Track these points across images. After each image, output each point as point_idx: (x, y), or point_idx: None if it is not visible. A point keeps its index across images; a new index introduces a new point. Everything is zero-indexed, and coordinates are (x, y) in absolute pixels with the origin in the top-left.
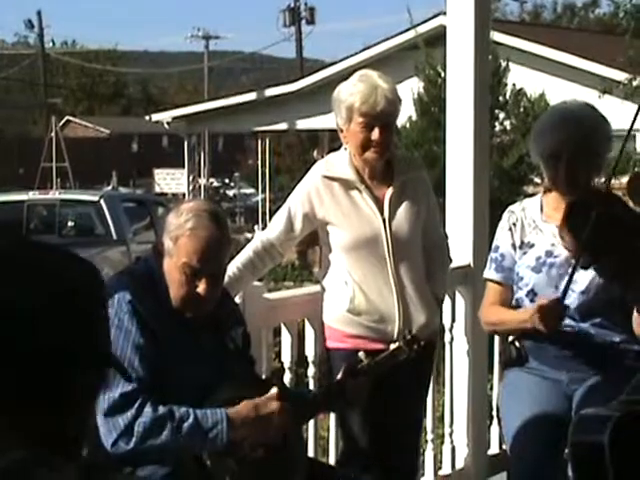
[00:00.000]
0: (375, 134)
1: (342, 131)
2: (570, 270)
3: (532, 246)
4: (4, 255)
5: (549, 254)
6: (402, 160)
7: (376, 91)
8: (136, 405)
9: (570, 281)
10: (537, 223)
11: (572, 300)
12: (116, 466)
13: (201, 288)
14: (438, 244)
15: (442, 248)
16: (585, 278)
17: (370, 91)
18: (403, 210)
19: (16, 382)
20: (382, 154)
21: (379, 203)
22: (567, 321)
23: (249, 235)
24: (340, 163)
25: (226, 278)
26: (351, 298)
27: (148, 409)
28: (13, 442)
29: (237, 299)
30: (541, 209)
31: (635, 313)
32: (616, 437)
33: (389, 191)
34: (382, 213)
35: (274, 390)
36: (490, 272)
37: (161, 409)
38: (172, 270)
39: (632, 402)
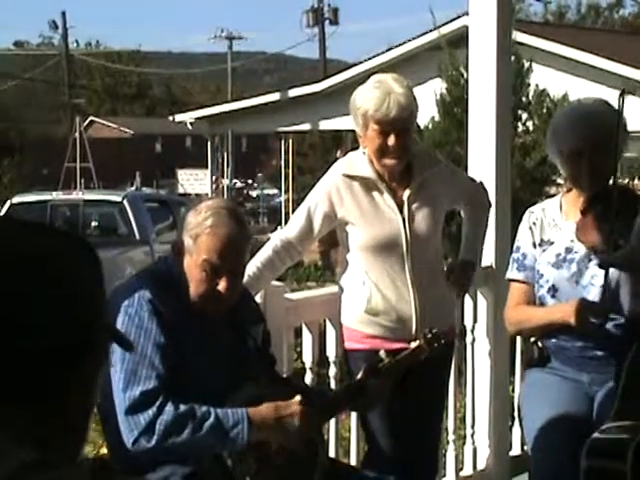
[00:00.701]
0: (391, 140)
1: (360, 136)
2: (603, 273)
3: (552, 243)
4: None
5: (569, 250)
6: (420, 157)
7: (389, 97)
8: (157, 403)
9: (606, 282)
10: (557, 221)
11: (593, 297)
12: (136, 465)
13: (221, 286)
14: (475, 190)
15: (479, 192)
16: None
17: (383, 98)
18: (422, 209)
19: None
20: (400, 159)
21: (398, 202)
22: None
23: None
24: (360, 162)
25: (245, 277)
26: (368, 298)
27: (170, 407)
28: (7, 445)
29: (257, 298)
30: (560, 208)
31: None
32: (637, 464)
33: (408, 190)
34: (401, 212)
35: (298, 397)
36: (513, 272)
37: (182, 407)
38: (192, 268)
39: None
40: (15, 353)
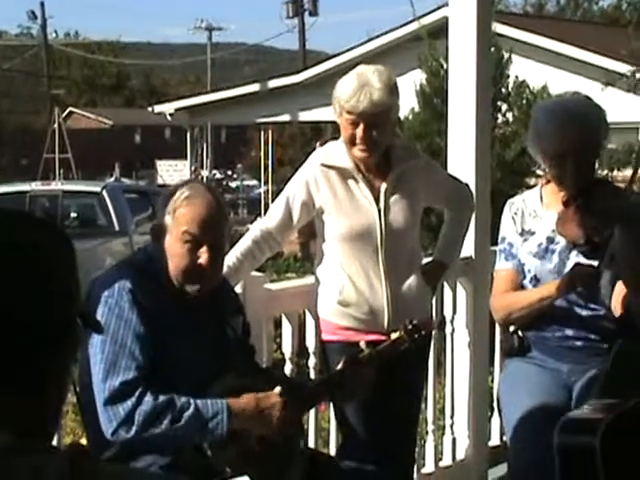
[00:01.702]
0: (359, 132)
1: (339, 125)
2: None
3: (533, 233)
4: None
5: (550, 240)
6: (400, 150)
7: (362, 90)
8: (137, 394)
9: (603, 260)
10: (537, 212)
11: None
12: (116, 455)
13: (203, 258)
14: (456, 192)
15: (461, 194)
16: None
17: (357, 89)
18: (399, 202)
19: None
20: (368, 152)
21: (375, 193)
22: (570, 310)
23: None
24: (338, 152)
25: (225, 267)
26: (340, 290)
27: (149, 398)
28: None
29: (237, 289)
30: (541, 199)
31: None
32: (608, 440)
33: (385, 182)
34: (377, 203)
35: (277, 389)
36: (501, 263)
37: (162, 398)
38: (173, 244)
39: (618, 405)
40: None
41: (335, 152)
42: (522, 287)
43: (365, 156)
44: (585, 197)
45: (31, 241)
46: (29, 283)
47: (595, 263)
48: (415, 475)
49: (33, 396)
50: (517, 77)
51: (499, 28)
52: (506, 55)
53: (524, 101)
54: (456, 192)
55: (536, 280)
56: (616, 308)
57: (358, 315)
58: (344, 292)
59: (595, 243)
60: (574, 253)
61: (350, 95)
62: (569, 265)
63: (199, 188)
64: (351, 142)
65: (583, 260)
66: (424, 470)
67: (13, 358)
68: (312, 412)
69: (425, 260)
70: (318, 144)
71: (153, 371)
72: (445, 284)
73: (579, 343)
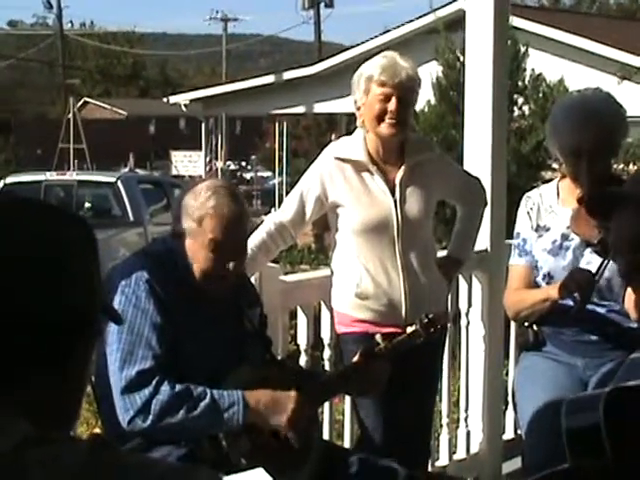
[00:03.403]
0: (392, 104)
1: (359, 108)
2: (601, 260)
3: (548, 229)
4: None
5: (565, 237)
6: (414, 142)
7: (396, 64)
8: (154, 383)
9: (603, 266)
10: (553, 207)
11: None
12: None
13: (230, 264)
14: (469, 187)
15: (474, 190)
16: (600, 261)
17: (391, 64)
18: (414, 192)
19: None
20: (397, 127)
21: (390, 185)
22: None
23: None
24: (352, 145)
25: None
26: (358, 282)
27: (165, 387)
28: (12, 418)
29: (252, 280)
30: (557, 194)
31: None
32: (610, 409)
33: (400, 173)
34: (393, 195)
35: (294, 393)
36: (515, 258)
37: (178, 387)
38: (197, 250)
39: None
40: (15, 330)
41: (349, 145)
42: (535, 284)
43: (393, 132)
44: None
45: (55, 230)
46: (51, 272)
47: (596, 268)
48: (429, 468)
49: (54, 386)
50: (533, 70)
51: (515, 21)
52: (523, 48)
53: (540, 94)
54: (469, 186)
55: (549, 277)
56: (629, 309)
57: (376, 307)
58: (362, 285)
59: (609, 242)
60: (588, 250)
61: (384, 68)
62: (583, 262)
63: (223, 195)
64: (379, 118)
65: (596, 258)
66: (438, 463)
67: (34, 347)
68: (326, 405)
69: (440, 254)
70: (333, 136)
71: (169, 361)
72: (460, 277)
73: (594, 338)
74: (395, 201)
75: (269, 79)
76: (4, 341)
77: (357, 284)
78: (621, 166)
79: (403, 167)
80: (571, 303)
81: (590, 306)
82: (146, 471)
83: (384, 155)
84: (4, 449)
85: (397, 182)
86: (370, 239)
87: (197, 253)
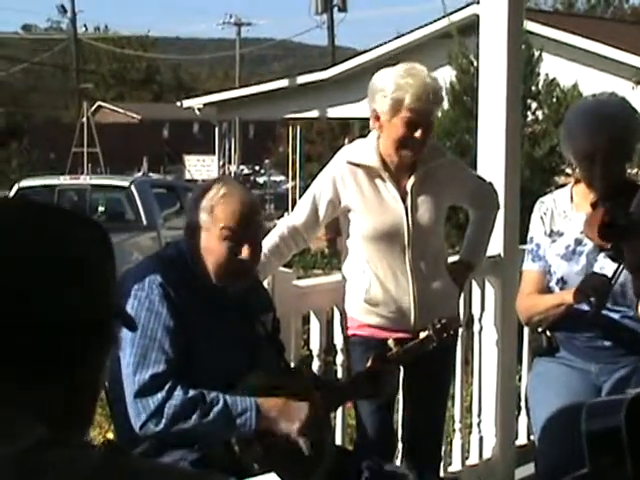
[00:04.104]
0: (418, 133)
1: (378, 119)
2: (615, 265)
3: (562, 234)
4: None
5: (578, 242)
6: (425, 149)
7: (426, 89)
8: (167, 387)
9: (618, 270)
10: (567, 213)
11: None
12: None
13: (244, 254)
14: (481, 191)
15: (486, 194)
16: (614, 267)
17: (422, 89)
18: (425, 200)
19: (23, 352)
20: (419, 153)
21: (402, 192)
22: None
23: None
24: (365, 150)
25: None
26: (367, 289)
27: (179, 392)
28: (27, 421)
29: (265, 284)
30: (571, 199)
31: None
32: (631, 414)
33: (411, 180)
34: (404, 202)
35: (306, 405)
36: (528, 263)
37: (191, 392)
38: (212, 242)
39: None
40: (31, 332)
41: (362, 150)
42: (549, 289)
43: (413, 157)
44: (613, 200)
45: (70, 233)
46: (69, 279)
47: (610, 273)
48: (442, 473)
49: (69, 389)
50: (547, 75)
51: (529, 26)
52: (536, 53)
53: (554, 99)
54: (481, 190)
55: (563, 282)
56: None
57: (385, 314)
58: (371, 291)
59: (622, 248)
60: (602, 255)
61: (415, 95)
62: (596, 268)
63: (232, 186)
64: (402, 143)
65: (610, 263)
66: (451, 468)
67: (50, 352)
68: (339, 409)
69: (451, 259)
70: (347, 140)
71: (183, 365)
72: (473, 282)
73: (608, 343)
74: (406, 208)
75: (283, 83)
76: (19, 343)
77: (366, 290)
78: (635, 171)
79: (415, 174)
80: (586, 308)
81: (604, 311)
82: (159, 477)
83: (399, 165)
84: (18, 451)
85: (408, 189)
86: (380, 246)
87: (211, 246)
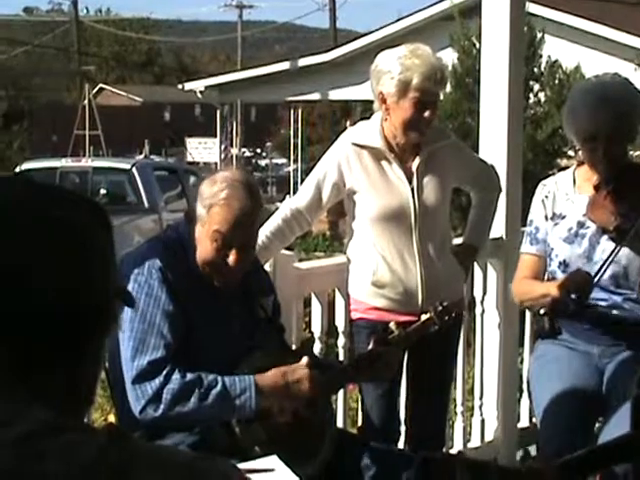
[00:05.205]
0: (427, 113)
1: (385, 101)
2: (612, 248)
3: (564, 217)
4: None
5: (581, 225)
6: (430, 130)
7: (434, 69)
8: (164, 372)
9: (609, 259)
10: (569, 195)
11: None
12: (144, 432)
13: (231, 259)
14: (484, 174)
15: (488, 176)
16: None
17: (429, 69)
18: (431, 180)
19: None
20: (424, 134)
21: (407, 173)
22: (600, 294)
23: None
24: (370, 131)
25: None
26: (374, 270)
27: (176, 376)
28: (27, 405)
29: (266, 267)
30: (574, 182)
31: None
32: None
33: (417, 161)
34: (410, 183)
35: (305, 359)
36: (526, 246)
37: (189, 376)
38: (203, 237)
39: None
40: (34, 314)
41: (366, 131)
42: (549, 274)
43: (419, 137)
44: (616, 182)
45: (71, 214)
46: (69, 255)
47: (593, 271)
48: None
49: (69, 372)
50: (550, 57)
51: (532, 7)
52: (539, 35)
53: (556, 81)
54: (483, 173)
55: (565, 265)
56: None
57: (392, 296)
58: (378, 273)
59: (625, 230)
60: (604, 238)
61: (424, 75)
62: (599, 250)
63: (238, 189)
64: (410, 124)
65: (612, 246)
66: (452, 451)
67: (50, 335)
68: (340, 392)
69: (455, 241)
70: (348, 123)
71: (181, 350)
72: (475, 265)
73: (610, 326)
74: (412, 189)
75: (284, 66)
76: (22, 325)
77: (373, 272)
78: (637, 153)
79: (420, 155)
80: (595, 287)
81: (606, 294)
82: (162, 461)
83: (405, 145)
84: (17, 436)
85: (414, 170)
86: (387, 227)
87: (202, 241)
